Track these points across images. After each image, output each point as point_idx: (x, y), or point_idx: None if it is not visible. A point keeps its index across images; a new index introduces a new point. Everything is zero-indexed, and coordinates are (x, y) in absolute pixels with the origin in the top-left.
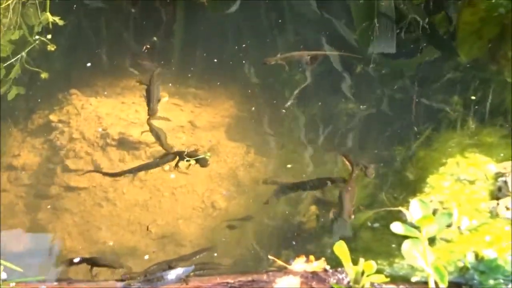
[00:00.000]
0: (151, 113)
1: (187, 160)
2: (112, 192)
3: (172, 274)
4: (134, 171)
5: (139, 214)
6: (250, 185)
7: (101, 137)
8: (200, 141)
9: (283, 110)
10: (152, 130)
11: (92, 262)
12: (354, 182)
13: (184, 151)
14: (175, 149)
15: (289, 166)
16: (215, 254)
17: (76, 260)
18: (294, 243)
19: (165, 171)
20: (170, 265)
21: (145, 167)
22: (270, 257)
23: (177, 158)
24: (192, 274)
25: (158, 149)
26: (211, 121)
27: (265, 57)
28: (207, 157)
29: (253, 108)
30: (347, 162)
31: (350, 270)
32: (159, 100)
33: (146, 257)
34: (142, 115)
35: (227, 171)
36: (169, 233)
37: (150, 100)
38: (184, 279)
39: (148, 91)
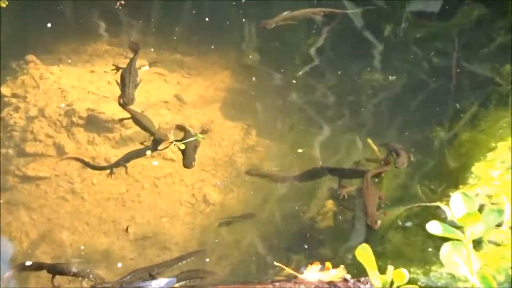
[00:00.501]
0: (127, 101)
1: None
2: (79, 183)
3: (153, 285)
4: (122, 161)
5: (113, 210)
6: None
7: (65, 114)
8: (188, 120)
9: (293, 81)
10: (135, 118)
11: (54, 269)
12: (371, 179)
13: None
14: (168, 135)
15: (300, 151)
16: (207, 260)
17: (28, 263)
18: (306, 246)
19: (146, 157)
20: (151, 273)
21: (135, 155)
22: (276, 263)
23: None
24: (178, 286)
25: (136, 130)
26: (202, 95)
27: (264, 19)
28: (199, 138)
29: (254, 78)
30: (375, 149)
31: (375, 280)
32: (136, 86)
33: (119, 265)
34: (116, 88)
35: (223, 157)
36: (151, 234)
37: (125, 85)
38: None
39: (123, 76)
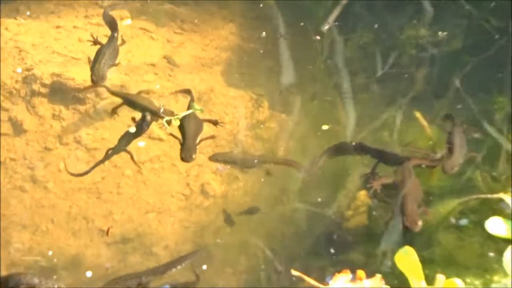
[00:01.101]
0: (95, 79)
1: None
2: (41, 169)
3: None
4: (122, 147)
5: (85, 204)
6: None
7: (23, 81)
8: (181, 87)
9: (317, 37)
10: (128, 101)
11: (8, 282)
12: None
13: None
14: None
15: (325, 127)
16: (204, 267)
17: None
18: (332, 250)
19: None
20: (140, 282)
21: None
22: (294, 272)
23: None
24: None
25: (114, 100)
26: (199, 56)
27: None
28: (196, 110)
29: (264, 33)
30: (425, 125)
31: None
32: (110, 66)
33: (89, 274)
34: (87, 47)
35: (226, 135)
36: (133, 235)
37: (97, 60)
38: None
39: (98, 52)
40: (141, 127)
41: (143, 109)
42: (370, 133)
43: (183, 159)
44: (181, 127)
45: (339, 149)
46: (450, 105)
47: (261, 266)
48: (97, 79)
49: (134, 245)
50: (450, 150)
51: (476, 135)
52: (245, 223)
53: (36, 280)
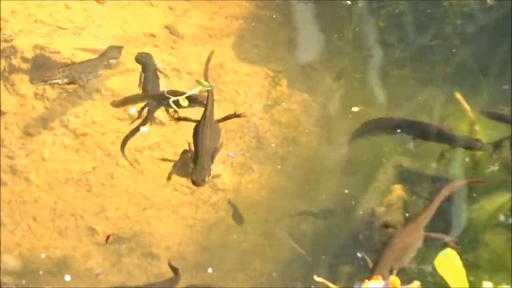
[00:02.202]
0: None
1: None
2: (23, 157)
3: None
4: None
5: (74, 198)
6: (278, 144)
7: (1, 54)
8: (186, 62)
9: (347, 1)
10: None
11: None
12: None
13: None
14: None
15: (355, 109)
16: (210, 270)
17: None
18: (359, 253)
19: (120, 119)
20: None
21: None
22: (317, 278)
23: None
24: None
25: (108, 77)
26: (206, 26)
27: None
28: (206, 86)
29: None
30: (467, 108)
31: None
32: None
33: (67, 278)
34: (76, 16)
35: (238, 119)
36: (129, 234)
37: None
38: None
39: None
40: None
41: (146, 98)
42: (405, 116)
43: (194, 182)
44: (195, 135)
45: (376, 127)
46: (496, 85)
47: (280, 270)
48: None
49: (131, 246)
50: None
51: None
52: (259, 221)
53: None
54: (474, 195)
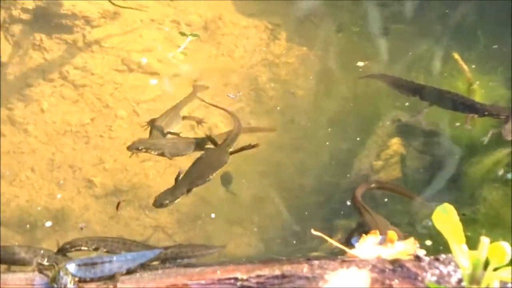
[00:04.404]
0: None
1: None
2: (21, 109)
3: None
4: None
5: (72, 150)
6: (277, 97)
7: (0, 5)
8: (185, 15)
9: None
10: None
11: None
12: None
13: None
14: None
15: (360, 64)
16: (213, 216)
17: None
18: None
19: (119, 71)
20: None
21: None
22: (314, 232)
23: None
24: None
25: (108, 30)
26: None
27: None
28: (191, 36)
29: None
30: (465, 68)
31: (462, 259)
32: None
33: (48, 224)
34: None
35: (238, 68)
36: (127, 186)
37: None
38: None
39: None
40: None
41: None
42: (406, 70)
43: (154, 201)
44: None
45: (392, 83)
46: (498, 41)
47: (278, 225)
48: None
49: (128, 198)
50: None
51: None
52: (258, 175)
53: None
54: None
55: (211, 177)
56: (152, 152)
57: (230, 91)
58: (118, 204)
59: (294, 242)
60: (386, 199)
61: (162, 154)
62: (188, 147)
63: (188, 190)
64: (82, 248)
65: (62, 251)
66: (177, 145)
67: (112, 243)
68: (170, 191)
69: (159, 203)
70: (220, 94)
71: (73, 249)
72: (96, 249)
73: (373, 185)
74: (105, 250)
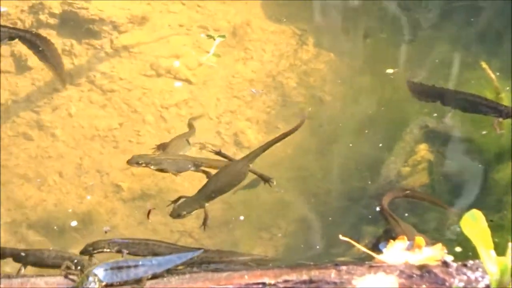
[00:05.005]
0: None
1: None
2: (49, 113)
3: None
4: None
5: (99, 154)
6: (305, 103)
7: (29, 11)
8: (211, 20)
9: None
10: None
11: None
12: None
13: None
14: None
15: (390, 71)
16: (242, 218)
17: None
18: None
19: (147, 76)
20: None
21: None
22: (342, 238)
23: None
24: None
25: (134, 35)
26: None
27: None
28: (219, 38)
29: None
30: (493, 78)
31: (490, 265)
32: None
33: (74, 223)
34: None
35: (264, 77)
36: (155, 191)
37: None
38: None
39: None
40: None
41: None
42: (433, 78)
43: (171, 212)
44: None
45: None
46: None
47: (305, 231)
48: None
49: (156, 202)
50: None
51: None
52: (283, 179)
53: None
54: None
55: (228, 191)
56: (152, 167)
57: (257, 97)
58: (149, 212)
59: (321, 247)
60: (415, 206)
61: (161, 170)
62: (187, 165)
63: (206, 202)
64: (105, 250)
65: (85, 253)
66: (176, 161)
67: (133, 245)
68: (188, 203)
69: (176, 214)
70: (244, 89)
71: (95, 251)
72: (118, 251)
73: (400, 193)
74: (127, 252)
